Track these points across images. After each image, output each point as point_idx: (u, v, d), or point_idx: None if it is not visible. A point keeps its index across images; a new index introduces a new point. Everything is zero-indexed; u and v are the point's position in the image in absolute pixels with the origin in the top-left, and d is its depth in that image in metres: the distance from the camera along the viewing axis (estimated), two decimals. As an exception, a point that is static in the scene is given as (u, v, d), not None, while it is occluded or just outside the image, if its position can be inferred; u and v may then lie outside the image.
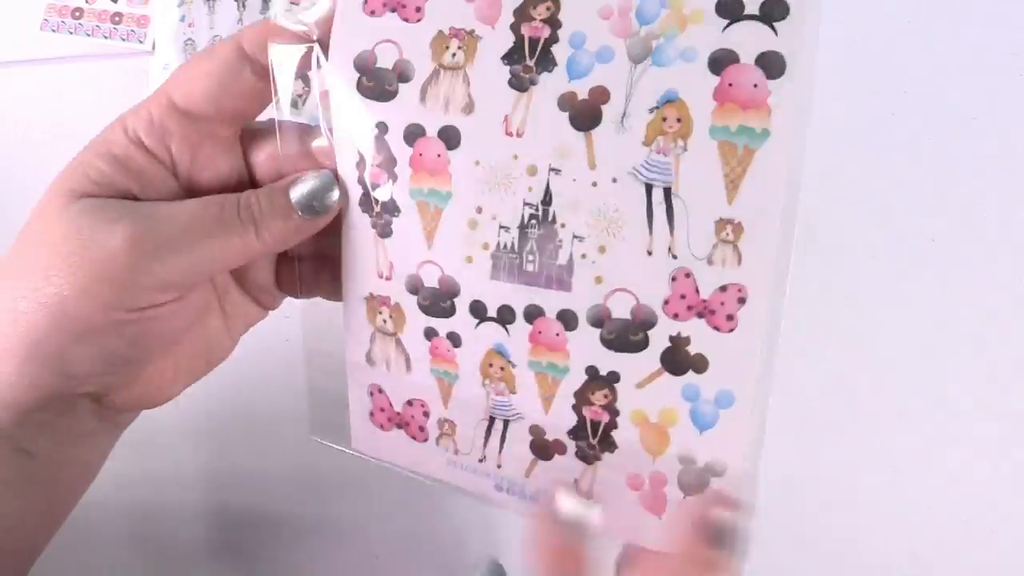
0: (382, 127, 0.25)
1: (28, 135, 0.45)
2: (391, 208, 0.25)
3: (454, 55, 0.24)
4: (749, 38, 0.21)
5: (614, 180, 0.23)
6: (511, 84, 0.24)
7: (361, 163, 0.25)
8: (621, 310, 0.23)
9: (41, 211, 0.24)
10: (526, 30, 0.23)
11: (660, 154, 0.22)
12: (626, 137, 0.23)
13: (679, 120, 0.22)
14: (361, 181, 0.25)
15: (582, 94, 0.23)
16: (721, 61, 0.22)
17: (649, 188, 0.23)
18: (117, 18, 0.48)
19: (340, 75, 0.25)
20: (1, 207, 0.40)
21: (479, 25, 0.24)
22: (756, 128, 0.22)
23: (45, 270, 0.23)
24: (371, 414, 0.28)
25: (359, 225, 0.26)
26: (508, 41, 0.23)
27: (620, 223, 0.23)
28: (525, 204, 0.24)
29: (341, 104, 0.25)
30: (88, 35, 0.48)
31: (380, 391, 0.27)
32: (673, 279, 0.23)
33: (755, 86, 0.21)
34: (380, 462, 0.28)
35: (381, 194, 0.25)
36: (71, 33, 0.48)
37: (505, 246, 0.24)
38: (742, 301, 0.22)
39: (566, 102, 0.23)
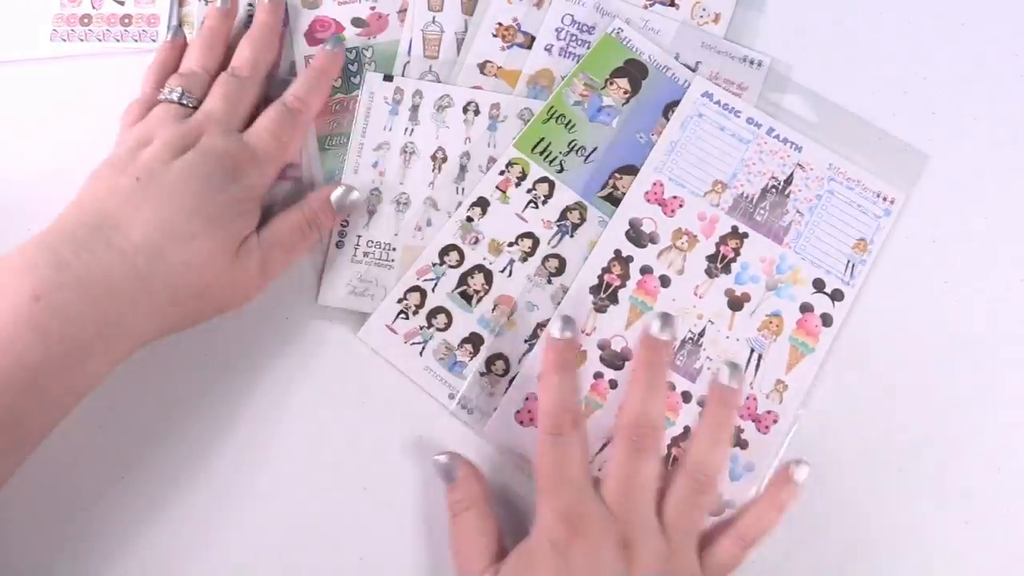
0: (629, 259, 0.45)
1: (44, 133, 0.46)
2: (613, 300, 0.45)
3: (682, 243, 0.45)
4: (821, 302, 0.45)
5: (737, 340, 0.45)
6: (705, 271, 0.45)
7: (605, 271, 0.45)
8: (715, 403, 0.44)
9: (211, 261, 0.38)
10: (723, 249, 0.45)
11: (763, 338, 0.45)
12: (751, 322, 0.45)
13: (777, 326, 0.45)
14: (600, 279, 0.45)
15: (738, 292, 0.45)
16: (805, 308, 0.45)
17: (752, 350, 0.45)
18: (127, 20, 0.47)
19: (618, 226, 0.45)
20: (25, 205, 0.44)
21: (701, 235, 0.45)
22: (809, 345, 0.45)
23: (190, 301, 0.38)
24: (517, 412, 0.44)
25: (582, 300, 0.45)
26: (711, 249, 0.45)
27: (733, 361, 0.45)
28: (689, 331, 0.45)
29: (611, 236, 0.45)
30: (99, 40, 0.47)
31: (536, 398, 0.44)
32: (747, 397, 0.44)
33: (816, 326, 0.45)
34: (505, 449, 0.43)
35: (609, 291, 0.45)
36: (82, 40, 0.47)
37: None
38: (775, 422, 0.44)
39: (729, 293, 0.45)
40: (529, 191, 0.45)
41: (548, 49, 0.47)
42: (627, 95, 0.46)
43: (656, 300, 0.45)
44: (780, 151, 0.46)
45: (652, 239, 0.45)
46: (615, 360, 0.44)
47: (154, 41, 0.47)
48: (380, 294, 0.44)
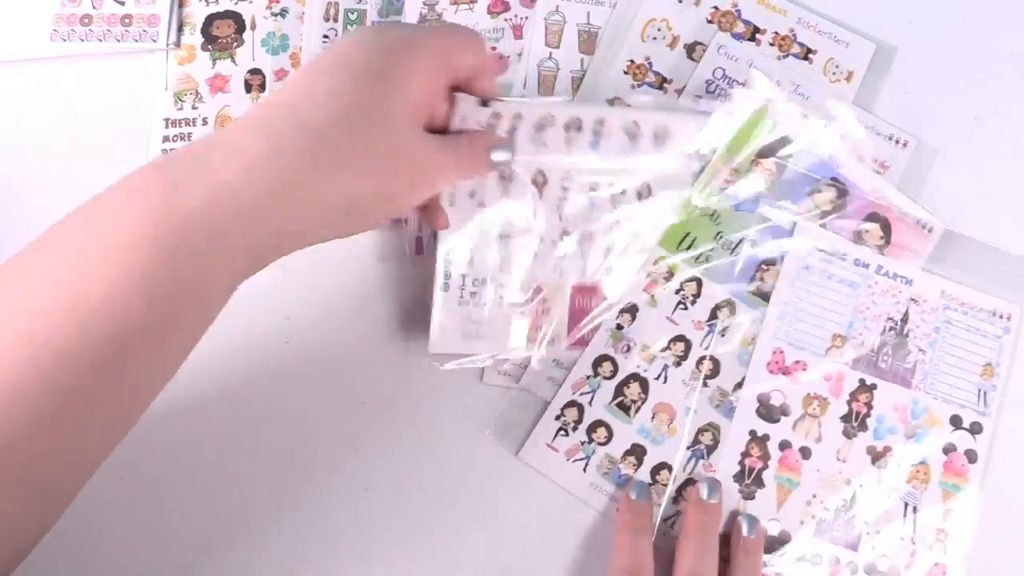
0: (766, 437, 0.43)
1: (45, 133, 0.46)
2: (759, 483, 0.43)
3: (814, 408, 0.43)
4: (962, 439, 0.44)
5: (888, 497, 0.43)
6: (843, 433, 0.43)
7: (744, 455, 0.43)
8: (880, 568, 0.43)
9: (394, 131, 0.33)
10: (855, 406, 0.44)
11: (914, 488, 0.43)
12: (898, 474, 0.43)
13: (924, 474, 0.43)
14: (742, 464, 0.43)
15: (879, 447, 0.43)
16: (948, 449, 0.44)
17: (905, 504, 0.43)
18: (127, 20, 0.47)
19: (747, 406, 0.43)
20: (25, 205, 0.44)
21: (830, 395, 0.43)
22: (960, 485, 0.43)
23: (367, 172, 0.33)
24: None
25: (727, 489, 0.43)
26: (844, 408, 0.43)
27: (889, 519, 0.43)
28: (842, 499, 0.43)
29: (742, 418, 0.43)
30: (100, 40, 0.47)
31: None
32: (910, 554, 0.43)
33: (962, 465, 0.44)
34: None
35: (753, 475, 0.43)
36: (83, 40, 0.47)
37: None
38: (943, 574, 0.43)
39: (871, 451, 0.43)
40: (677, 291, 0.44)
41: (696, 100, 0.46)
42: (772, 177, 0.44)
43: (800, 475, 0.43)
44: (891, 288, 0.44)
45: (783, 411, 0.43)
46: (775, 545, 0.42)
47: (154, 41, 0.47)
48: (491, 332, 0.42)
